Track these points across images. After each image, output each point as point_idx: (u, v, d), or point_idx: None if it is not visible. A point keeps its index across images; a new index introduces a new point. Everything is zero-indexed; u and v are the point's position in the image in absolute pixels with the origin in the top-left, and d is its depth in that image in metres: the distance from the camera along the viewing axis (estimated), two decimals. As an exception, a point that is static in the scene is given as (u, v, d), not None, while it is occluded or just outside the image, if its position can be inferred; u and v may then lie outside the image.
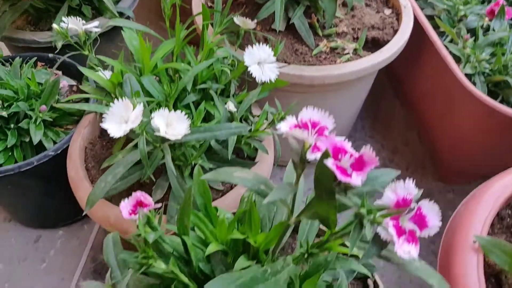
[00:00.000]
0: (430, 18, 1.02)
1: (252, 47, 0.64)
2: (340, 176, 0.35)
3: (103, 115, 0.49)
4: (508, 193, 0.59)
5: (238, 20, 0.77)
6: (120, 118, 0.50)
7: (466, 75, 0.88)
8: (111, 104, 0.50)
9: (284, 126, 0.40)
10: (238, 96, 0.72)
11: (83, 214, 0.59)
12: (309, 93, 0.86)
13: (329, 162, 0.35)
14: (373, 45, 0.89)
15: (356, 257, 0.64)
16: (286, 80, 0.79)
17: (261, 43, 0.64)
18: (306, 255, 0.45)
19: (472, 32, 0.94)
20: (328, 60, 0.84)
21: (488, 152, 0.88)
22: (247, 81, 0.75)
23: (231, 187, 0.69)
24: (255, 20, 0.81)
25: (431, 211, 0.39)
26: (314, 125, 0.42)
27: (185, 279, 0.47)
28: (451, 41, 0.93)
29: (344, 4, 0.96)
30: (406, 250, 0.36)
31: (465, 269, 0.52)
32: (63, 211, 1.01)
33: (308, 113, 0.42)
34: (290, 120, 0.42)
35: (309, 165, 0.42)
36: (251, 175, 0.43)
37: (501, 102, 0.88)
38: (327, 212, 0.41)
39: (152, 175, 0.70)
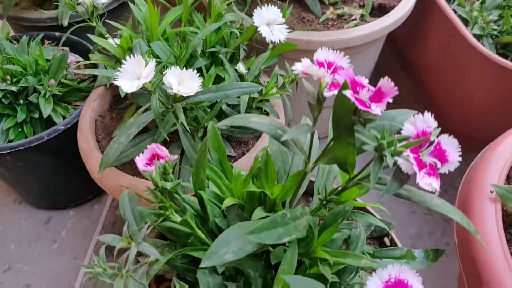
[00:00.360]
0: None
1: (261, 8, 0.64)
2: (360, 106, 0.35)
3: (116, 74, 0.49)
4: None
5: (244, -14, 0.77)
6: (133, 75, 0.50)
7: (475, 37, 0.87)
8: (123, 61, 0.50)
9: (300, 66, 0.40)
10: (247, 62, 0.72)
11: (97, 175, 0.59)
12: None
13: (348, 93, 0.35)
14: (380, 11, 0.88)
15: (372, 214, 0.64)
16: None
17: (269, 5, 0.64)
18: (324, 202, 0.45)
19: (480, -5, 0.94)
20: (336, 27, 0.83)
21: (500, 115, 0.87)
22: (255, 48, 0.75)
23: (243, 153, 0.69)
24: (261, -13, 0.80)
25: (451, 146, 0.39)
26: (329, 65, 0.41)
27: (202, 234, 0.47)
28: (459, 5, 0.92)
29: (350, -27, 0.95)
30: (428, 182, 0.36)
31: (483, 218, 0.51)
32: (74, 190, 1.02)
33: (324, 53, 0.42)
34: (306, 61, 0.41)
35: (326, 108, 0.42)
36: (268, 120, 0.42)
37: (511, 64, 0.87)
38: (346, 153, 0.40)
39: (164, 142, 0.69)
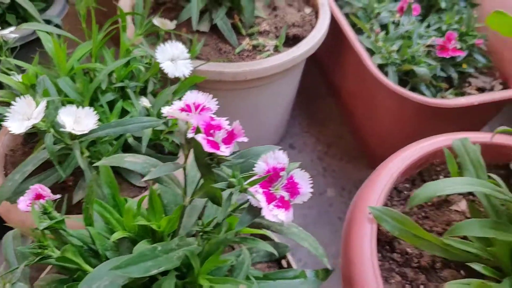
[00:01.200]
0: (350, 15, 1.08)
1: (165, 44, 0.67)
2: (207, 148, 0.38)
3: (6, 115, 0.51)
4: (402, 167, 0.64)
5: (157, 21, 0.80)
6: (23, 116, 0.52)
7: (380, 66, 0.94)
8: (12, 102, 0.51)
9: (167, 109, 0.43)
10: (158, 94, 0.75)
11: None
12: (235, 90, 0.89)
13: (199, 137, 0.39)
14: (294, 42, 0.94)
15: (268, 238, 0.67)
16: (208, 77, 0.83)
17: (173, 41, 0.68)
18: (202, 234, 0.48)
19: (385, 27, 1.01)
20: (250, 57, 0.88)
21: (406, 138, 0.93)
22: (169, 80, 0.78)
23: (154, 183, 0.71)
24: (175, 22, 0.84)
25: (303, 179, 0.43)
26: (197, 107, 0.45)
27: (89, 268, 0.49)
28: (368, 36, 0.99)
29: (269, 5, 1.01)
30: (275, 214, 0.39)
31: (360, 237, 0.56)
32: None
33: (192, 96, 0.45)
34: (177, 104, 0.45)
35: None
36: (141, 159, 0.45)
37: (411, 89, 0.94)
38: (212, 189, 0.44)
39: (73, 176, 0.71)
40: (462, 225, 0.47)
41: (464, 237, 0.56)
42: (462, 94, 1.01)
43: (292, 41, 0.95)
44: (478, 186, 0.47)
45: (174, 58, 0.68)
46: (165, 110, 0.43)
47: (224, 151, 0.39)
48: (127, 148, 0.68)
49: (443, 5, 1.05)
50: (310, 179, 0.43)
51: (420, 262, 0.57)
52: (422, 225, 0.62)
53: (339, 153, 1.21)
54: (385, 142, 1.02)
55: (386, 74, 0.93)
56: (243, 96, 0.92)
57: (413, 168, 0.67)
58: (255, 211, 0.40)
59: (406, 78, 0.94)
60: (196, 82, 0.76)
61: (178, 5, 0.96)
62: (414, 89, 0.95)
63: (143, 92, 0.74)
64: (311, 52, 0.89)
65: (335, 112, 1.30)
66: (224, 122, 0.42)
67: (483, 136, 0.67)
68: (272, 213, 0.39)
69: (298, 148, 1.22)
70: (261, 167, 0.41)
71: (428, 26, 1.05)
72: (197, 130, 0.39)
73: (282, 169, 0.42)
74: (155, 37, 0.86)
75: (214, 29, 0.91)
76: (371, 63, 0.87)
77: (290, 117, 1.27)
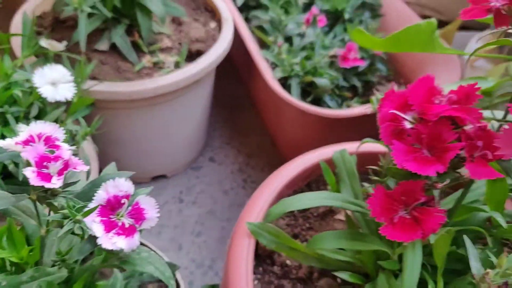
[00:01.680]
0: (258, 28, 1.10)
1: (43, 68, 0.66)
2: (34, 181, 0.37)
3: None
4: (286, 180, 0.66)
5: (45, 43, 0.79)
6: None
7: (285, 78, 0.96)
8: None
9: (2, 142, 0.42)
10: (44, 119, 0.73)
11: None
12: (136, 108, 0.89)
13: (27, 171, 0.38)
14: (198, 57, 0.94)
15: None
16: (102, 97, 0.82)
17: (52, 64, 0.66)
18: (59, 263, 0.47)
19: (291, 39, 1.04)
20: (149, 75, 0.87)
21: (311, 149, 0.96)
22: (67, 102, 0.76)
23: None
24: (65, 42, 0.82)
25: (148, 204, 0.43)
26: (41, 137, 0.44)
27: None
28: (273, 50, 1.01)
29: (174, 21, 1.01)
30: (113, 242, 0.39)
31: (238, 252, 0.56)
32: None
33: (38, 127, 0.45)
34: (22, 135, 0.44)
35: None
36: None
37: (316, 100, 0.97)
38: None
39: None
40: (318, 237, 0.48)
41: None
42: (368, 102, 1.06)
43: (196, 56, 0.95)
44: (330, 200, 0.49)
45: (55, 81, 0.67)
46: (1, 143, 0.42)
47: (55, 183, 0.38)
48: (8, 176, 0.66)
49: (346, 16, 1.09)
50: (157, 204, 0.43)
51: (298, 273, 0.59)
52: (305, 236, 0.64)
53: (261, 164, 1.22)
54: (296, 151, 1.04)
55: (289, 86, 0.95)
56: (150, 113, 0.92)
57: (300, 180, 0.69)
58: (94, 240, 0.40)
59: (310, 89, 0.97)
60: (84, 104, 0.75)
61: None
62: (318, 99, 0.98)
63: (27, 117, 0.72)
64: (212, 67, 0.90)
65: (257, 122, 1.32)
66: (65, 152, 0.41)
67: (365, 146, 0.70)
68: (111, 241, 0.39)
69: (218, 160, 1.22)
70: (100, 196, 0.41)
71: (335, 36, 1.08)
72: (27, 164, 0.39)
73: (126, 197, 0.42)
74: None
75: (114, 47, 0.90)
76: (270, 77, 0.89)
77: (211, 130, 1.28)
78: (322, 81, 0.92)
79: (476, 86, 0.39)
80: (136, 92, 0.82)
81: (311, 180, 0.71)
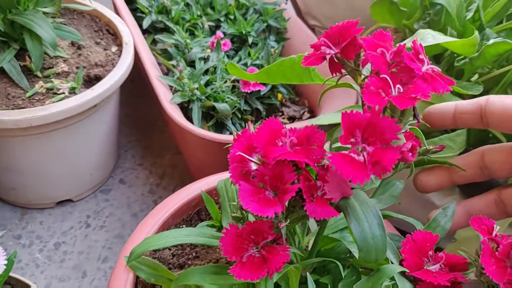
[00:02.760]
0: (164, 51, 1.11)
1: None
2: None
3: None
4: (172, 210, 0.66)
5: None
6: None
7: (187, 102, 0.97)
8: None
9: None
10: None
11: None
12: (30, 135, 0.85)
13: None
14: (98, 82, 0.93)
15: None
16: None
17: None
18: None
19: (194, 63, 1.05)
20: (41, 102, 0.85)
21: (220, 169, 0.98)
22: None
23: None
24: None
25: (-2, 253, 0.42)
26: None
27: None
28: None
29: (73, 44, 0.98)
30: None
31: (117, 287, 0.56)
32: None
33: None
34: None
35: None
36: None
37: (218, 124, 0.99)
38: None
39: None
40: (184, 273, 0.49)
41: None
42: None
43: (95, 81, 0.94)
44: (193, 237, 0.50)
45: None
46: None
47: None
48: None
49: (250, 40, 1.13)
50: (4, 251, 0.42)
51: (179, 305, 0.59)
52: (191, 266, 0.65)
53: (173, 184, 1.22)
54: (203, 173, 1.05)
55: (191, 110, 0.96)
56: (46, 139, 0.89)
57: (189, 208, 0.70)
58: None
59: (213, 113, 0.99)
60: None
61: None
62: (221, 123, 1.00)
63: None
64: (109, 93, 0.89)
65: (171, 142, 1.31)
66: None
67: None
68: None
69: (128, 182, 1.20)
70: None
71: (239, 60, 1.11)
72: None
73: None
74: None
75: (5, 72, 0.86)
76: (167, 102, 0.90)
77: (122, 151, 1.26)
78: (222, 106, 0.94)
79: (315, 129, 0.42)
80: (25, 120, 0.79)
81: (201, 207, 0.73)
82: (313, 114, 1.14)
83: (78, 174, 1.05)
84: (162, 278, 0.57)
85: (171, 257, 0.65)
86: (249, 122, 0.51)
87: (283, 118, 1.12)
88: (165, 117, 1.13)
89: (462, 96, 0.69)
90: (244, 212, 0.54)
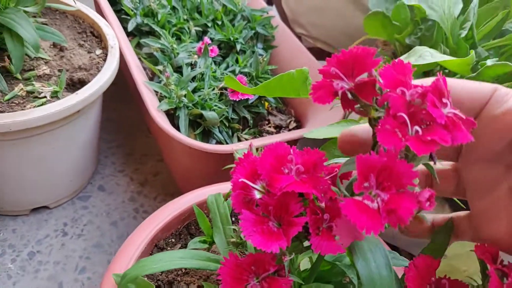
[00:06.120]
0: (149, 56, 1.07)
1: None
2: None
3: None
4: (160, 226, 0.64)
5: None
6: None
7: (174, 110, 0.95)
8: None
9: None
10: None
11: None
12: (8, 140, 0.81)
13: None
14: (81, 86, 0.89)
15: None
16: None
17: None
18: None
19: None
20: (21, 105, 0.81)
21: (203, 181, 0.96)
22: None
23: None
24: None
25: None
26: None
27: None
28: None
29: (55, 45, 0.94)
30: None
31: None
32: None
33: None
34: None
35: None
36: None
37: (206, 132, 0.97)
38: None
39: None
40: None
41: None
42: (260, 132, 1.08)
43: (79, 85, 0.90)
44: (188, 260, 0.48)
45: None
46: None
47: None
48: None
49: (238, 47, 1.11)
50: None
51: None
52: (180, 282, 0.62)
53: (154, 192, 1.19)
54: (188, 181, 1.03)
55: (178, 117, 0.94)
56: (25, 145, 0.84)
57: (178, 222, 0.68)
58: None
59: (200, 121, 0.97)
60: None
61: None
62: (208, 132, 0.98)
63: None
64: (94, 98, 0.85)
65: (154, 148, 1.28)
66: None
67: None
68: None
69: (108, 189, 1.16)
70: None
71: (227, 67, 1.09)
72: None
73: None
74: None
75: (-19, 73, 0.82)
76: (154, 109, 0.87)
77: (102, 156, 1.22)
78: (209, 114, 0.92)
79: (323, 156, 0.40)
80: (4, 125, 0.75)
81: (190, 221, 0.70)
82: (299, 123, 1.13)
83: (56, 180, 1.01)
84: (149, 298, 0.55)
85: (160, 273, 0.62)
86: (251, 143, 0.50)
87: (270, 127, 1.10)
88: (150, 123, 1.11)
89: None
90: (242, 237, 0.52)
